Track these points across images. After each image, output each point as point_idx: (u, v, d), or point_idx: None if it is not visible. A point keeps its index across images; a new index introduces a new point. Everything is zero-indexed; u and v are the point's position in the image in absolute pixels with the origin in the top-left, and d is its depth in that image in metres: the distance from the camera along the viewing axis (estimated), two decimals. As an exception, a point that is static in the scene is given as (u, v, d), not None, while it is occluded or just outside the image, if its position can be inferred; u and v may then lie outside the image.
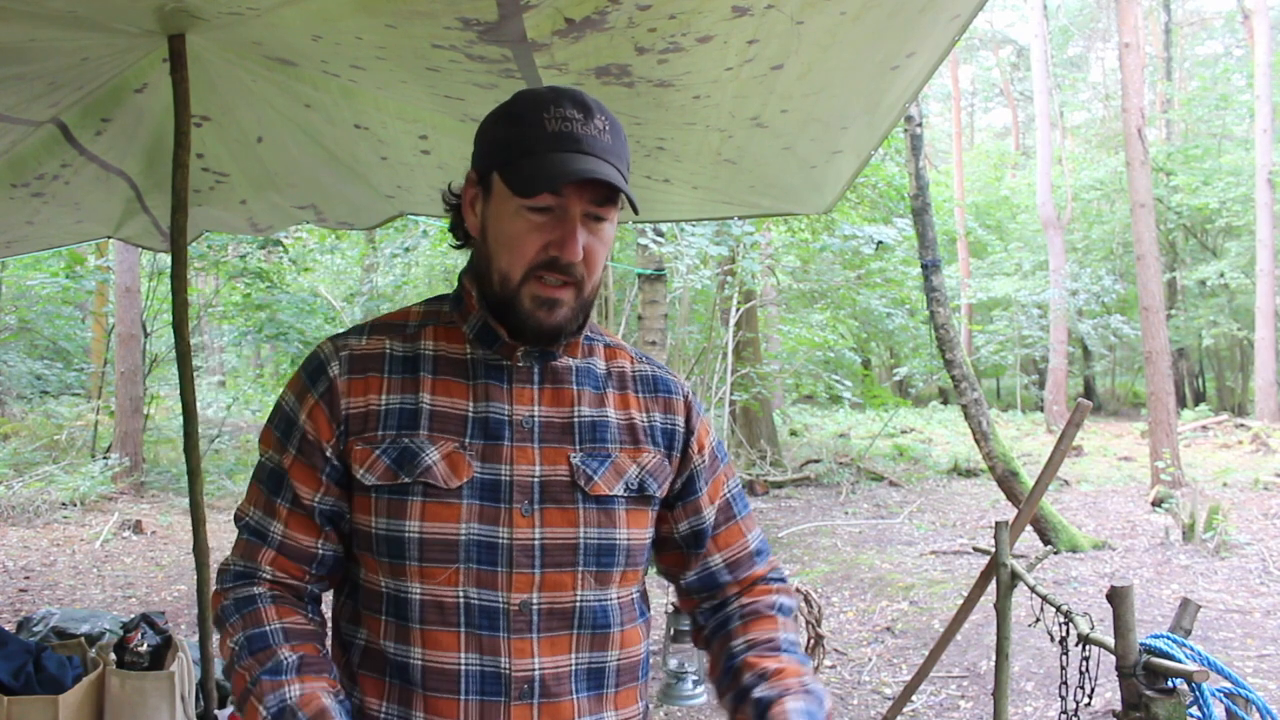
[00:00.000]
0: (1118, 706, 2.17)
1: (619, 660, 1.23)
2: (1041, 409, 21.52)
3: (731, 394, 11.21)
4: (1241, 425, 16.88)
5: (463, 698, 1.14)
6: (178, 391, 3.53)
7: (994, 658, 2.78)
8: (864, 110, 2.29)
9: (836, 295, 14.12)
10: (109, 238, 4.02)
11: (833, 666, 5.00)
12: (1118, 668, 2.14)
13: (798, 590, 4.40)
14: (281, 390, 1.26)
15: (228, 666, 1.19)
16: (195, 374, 2.60)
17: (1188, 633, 2.27)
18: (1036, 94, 22.45)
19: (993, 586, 2.84)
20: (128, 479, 10.11)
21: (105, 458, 10.39)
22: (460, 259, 1.27)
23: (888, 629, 5.74)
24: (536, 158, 1.11)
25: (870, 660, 5.14)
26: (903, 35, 1.87)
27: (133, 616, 3.26)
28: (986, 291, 23.82)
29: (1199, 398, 24.05)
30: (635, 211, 1.11)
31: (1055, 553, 7.37)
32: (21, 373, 13.16)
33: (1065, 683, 2.59)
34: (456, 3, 1.66)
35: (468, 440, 1.17)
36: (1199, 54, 29.63)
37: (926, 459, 13.92)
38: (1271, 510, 9.26)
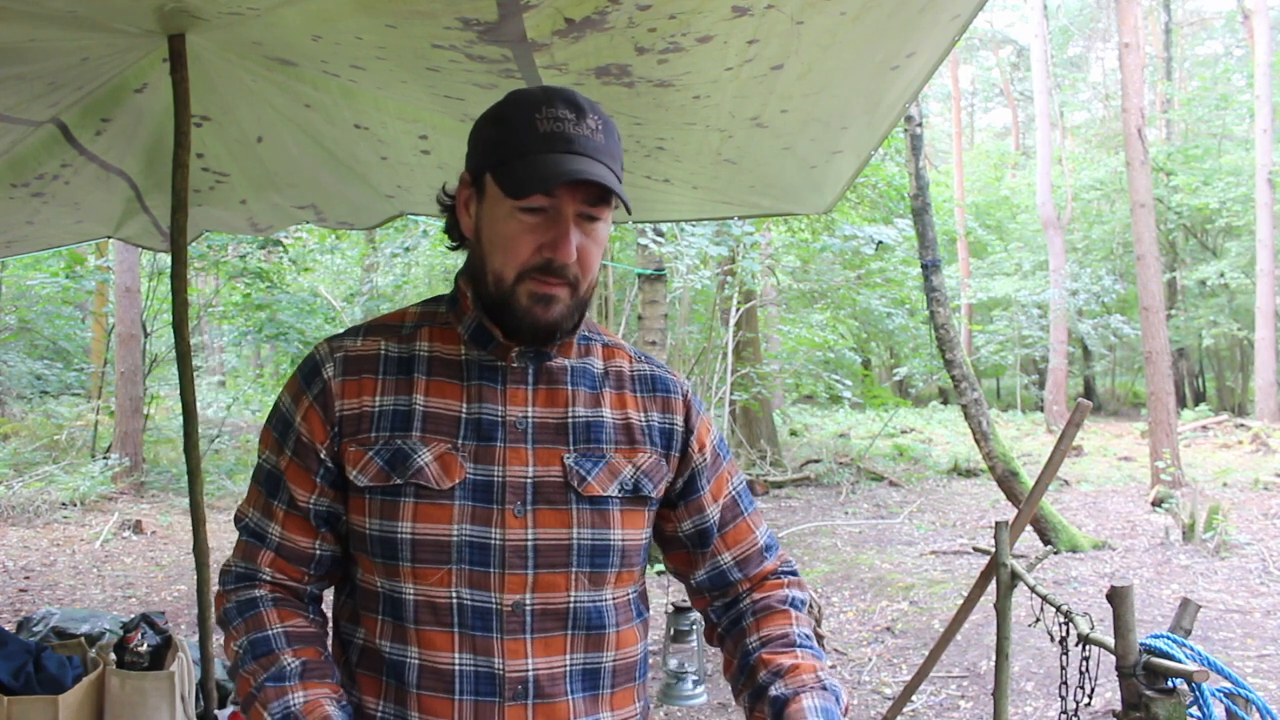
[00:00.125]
0: (1118, 706, 2.17)
1: (615, 661, 1.23)
2: (1041, 409, 21.52)
3: (731, 394, 11.20)
4: (1241, 425, 16.88)
5: (457, 698, 1.15)
6: (178, 391, 3.53)
7: (994, 658, 2.78)
8: (864, 110, 2.29)
9: (836, 295, 14.12)
10: (109, 238, 4.01)
11: (833, 666, 4.98)
12: (1118, 668, 2.14)
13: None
14: (280, 391, 1.26)
15: (232, 669, 1.20)
16: (195, 374, 2.60)
17: (1188, 633, 2.26)
18: (1036, 94, 22.45)
19: (993, 586, 2.83)
20: (128, 479, 10.11)
21: (105, 458, 10.38)
22: (460, 259, 1.27)
23: (888, 629, 5.74)
24: (528, 159, 1.11)
25: (870, 660, 5.14)
26: (903, 35, 1.87)
27: (133, 616, 3.26)
28: (986, 291, 23.81)
29: (1199, 398, 24.05)
30: (629, 211, 1.11)
31: (1055, 553, 7.37)
32: (21, 373, 13.17)
33: (1065, 683, 2.59)
34: (456, 3, 1.66)
35: (460, 441, 1.17)
36: (1199, 54, 29.61)
37: (926, 459, 13.92)
38: (1271, 510, 9.25)
